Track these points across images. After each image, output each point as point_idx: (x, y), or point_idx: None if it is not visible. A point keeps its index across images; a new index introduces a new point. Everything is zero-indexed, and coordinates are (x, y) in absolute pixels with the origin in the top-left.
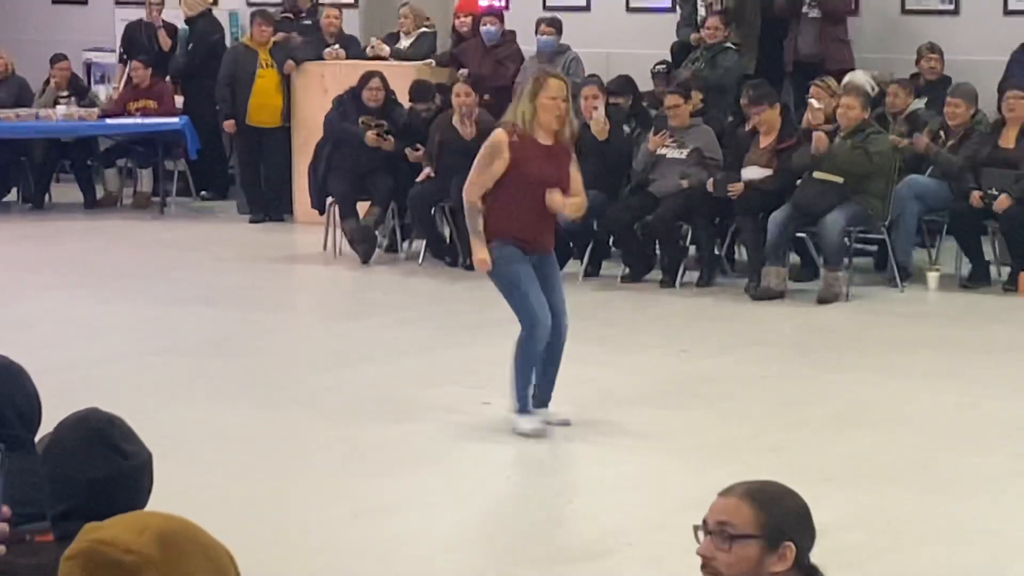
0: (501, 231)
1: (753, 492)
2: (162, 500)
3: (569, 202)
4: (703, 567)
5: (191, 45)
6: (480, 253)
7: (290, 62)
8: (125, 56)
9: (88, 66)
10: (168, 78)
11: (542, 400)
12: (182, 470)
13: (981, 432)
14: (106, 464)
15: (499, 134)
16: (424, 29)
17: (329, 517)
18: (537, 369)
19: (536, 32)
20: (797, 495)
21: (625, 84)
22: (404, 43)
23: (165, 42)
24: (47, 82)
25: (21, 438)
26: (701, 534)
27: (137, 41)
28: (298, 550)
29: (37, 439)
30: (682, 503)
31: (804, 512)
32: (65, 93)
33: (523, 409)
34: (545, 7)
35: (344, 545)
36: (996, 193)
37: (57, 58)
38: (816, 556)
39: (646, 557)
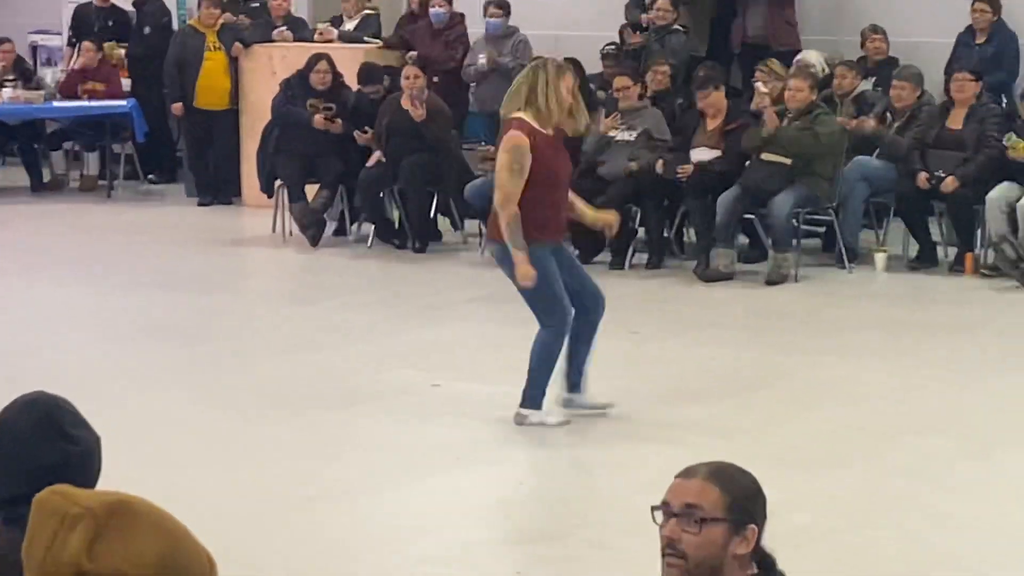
0: (528, 233)
1: (717, 474)
2: (111, 485)
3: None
4: (668, 549)
5: (146, 29)
6: (527, 269)
7: (238, 45)
8: (74, 40)
9: (34, 49)
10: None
11: (579, 386)
12: (131, 455)
13: (928, 412)
14: (54, 450)
15: (520, 138)
16: (367, 11)
17: (281, 501)
18: (571, 355)
19: (484, 14)
20: (752, 476)
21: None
22: (348, 25)
23: None
24: None
25: None
26: (660, 515)
27: (87, 24)
28: (250, 534)
29: None
30: (633, 485)
31: (762, 493)
32: (11, 76)
33: (539, 405)
34: None
35: (296, 529)
36: (943, 175)
37: (1, 41)
38: (766, 536)
39: (597, 538)
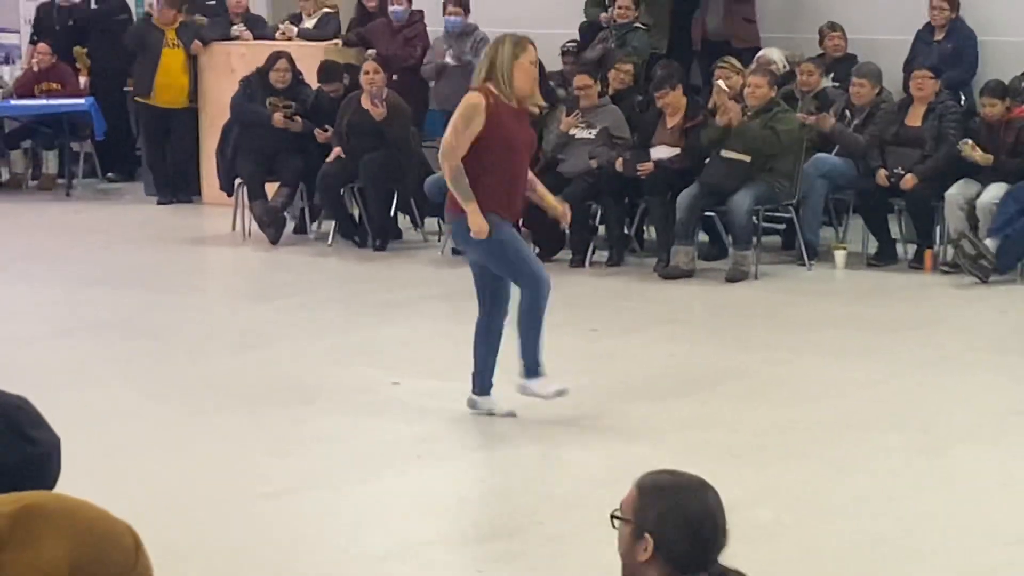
0: (484, 204)
1: (645, 481)
2: (67, 483)
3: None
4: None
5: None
6: (479, 219)
7: (197, 43)
8: (36, 37)
9: None
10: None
11: (485, 388)
12: (87, 452)
13: (887, 409)
14: (12, 451)
15: (475, 96)
16: (326, 10)
17: (237, 497)
18: (478, 355)
19: (444, 12)
20: (694, 497)
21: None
22: (308, 23)
23: None
24: None
25: None
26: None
27: (48, 22)
28: (205, 530)
29: None
30: (591, 482)
31: (684, 514)
32: None
33: (538, 373)
34: None
35: (252, 525)
36: (902, 172)
37: None
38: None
39: (555, 535)
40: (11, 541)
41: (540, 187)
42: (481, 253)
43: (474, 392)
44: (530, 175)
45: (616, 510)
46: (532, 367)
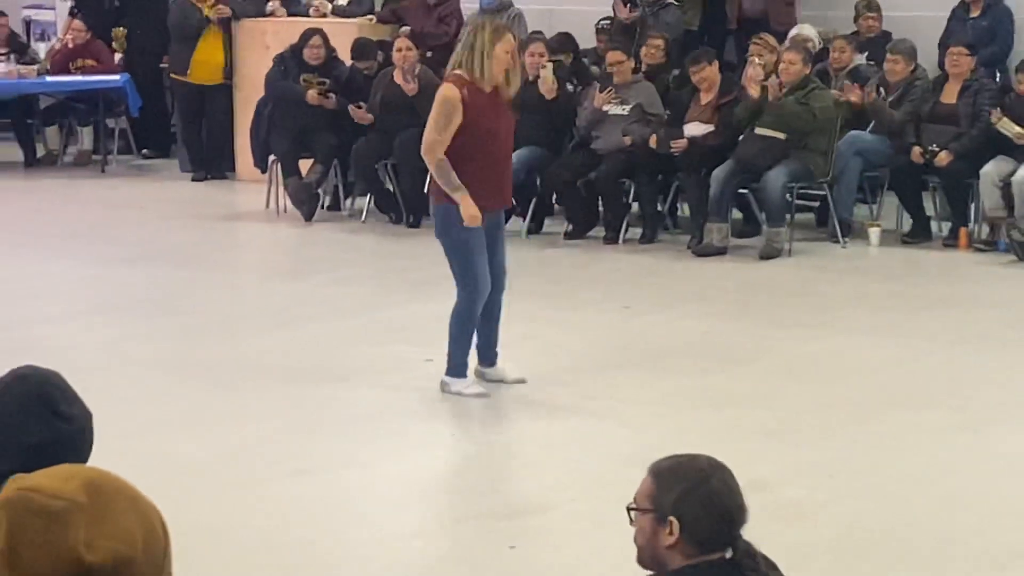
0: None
1: (659, 468)
2: (100, 460)
3: None
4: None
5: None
6: (471, 207)
7: (222, 6)
8: (76, 10)
9: (27, 24)
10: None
11: (491, 360)
12: (120, 430)
13: (921, 386)
14: (45, 428)
15: (450, 90)
16: None
17: (270, 475)
18: (479, 331)
19: None
20: (710, 476)
21: (565, 41)
22: (341, 0)
23: None
24: None
25: None
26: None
27: (89, 1)
28: (238, 508)
29: None
30: (623, 460)
31: (704, 493)
32: (4, 50)
33: (462, 374)
34: None
35: (285, 503)
36: (937, 149)
37: None
38: (757, 510)
39: (587, 512)
40: (96, 519)
41: None
42: (444, 242)
43: (482, 365)
44: None
45: (631, 503)
46: (457, 368)
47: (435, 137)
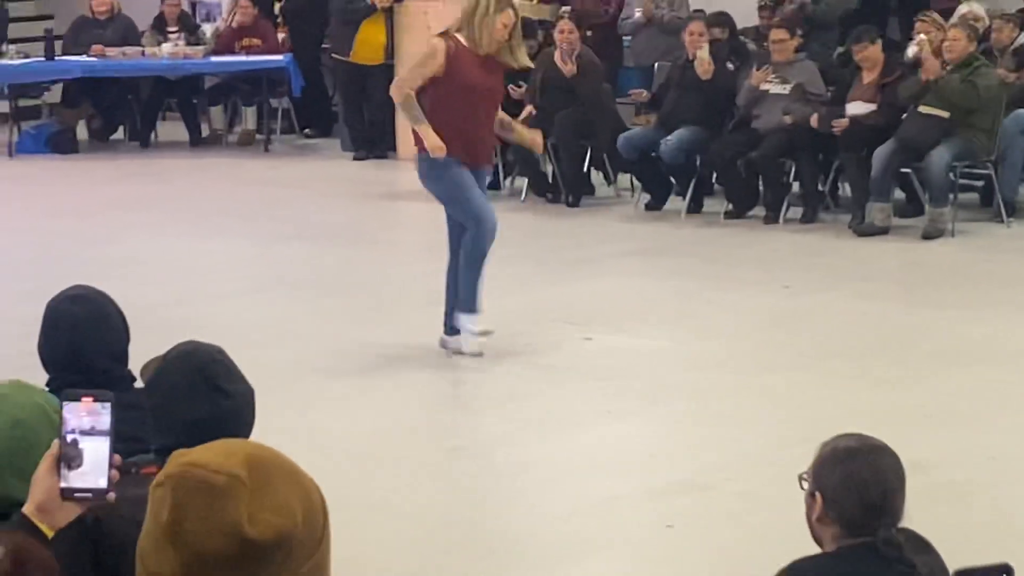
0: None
1: (827, 444)
2: (260, 438)
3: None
4: None
5: None
6: (433, 138)
7: None
8: None
9: (193, 5)
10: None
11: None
12: (281, 408)
13: None
14: (207, 404)
15: (436, 40)
16: None
17: (427, 454)
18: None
19: None
20: (866, 462)
21: (723, 18)
22: None
23: None
24: (158, 17)
25: (118, 374)
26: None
27: None
28: (395, 486)
29: (142, 365)
30: (781, 440)
31: (852, 477)
32: (175, 28)
33: (472, 309)
34: None
35: (442, 482)
36: None
37: None
38: (917, 492)
39: (745, 491)
40: (256, 493)
41: (514, 124)
42: (433, 189)
43: (461, 311)
44: (504, 116)
45: (804, 471)
46: (467, 303)
47: (403, 75)
